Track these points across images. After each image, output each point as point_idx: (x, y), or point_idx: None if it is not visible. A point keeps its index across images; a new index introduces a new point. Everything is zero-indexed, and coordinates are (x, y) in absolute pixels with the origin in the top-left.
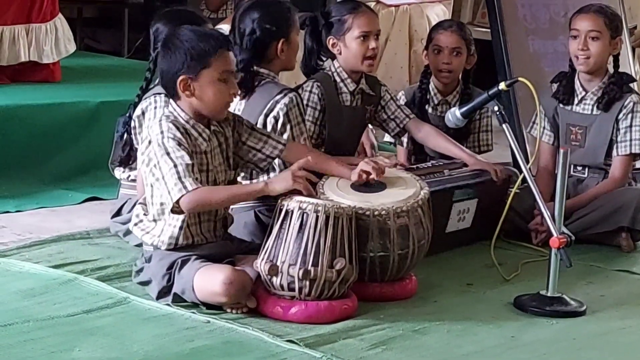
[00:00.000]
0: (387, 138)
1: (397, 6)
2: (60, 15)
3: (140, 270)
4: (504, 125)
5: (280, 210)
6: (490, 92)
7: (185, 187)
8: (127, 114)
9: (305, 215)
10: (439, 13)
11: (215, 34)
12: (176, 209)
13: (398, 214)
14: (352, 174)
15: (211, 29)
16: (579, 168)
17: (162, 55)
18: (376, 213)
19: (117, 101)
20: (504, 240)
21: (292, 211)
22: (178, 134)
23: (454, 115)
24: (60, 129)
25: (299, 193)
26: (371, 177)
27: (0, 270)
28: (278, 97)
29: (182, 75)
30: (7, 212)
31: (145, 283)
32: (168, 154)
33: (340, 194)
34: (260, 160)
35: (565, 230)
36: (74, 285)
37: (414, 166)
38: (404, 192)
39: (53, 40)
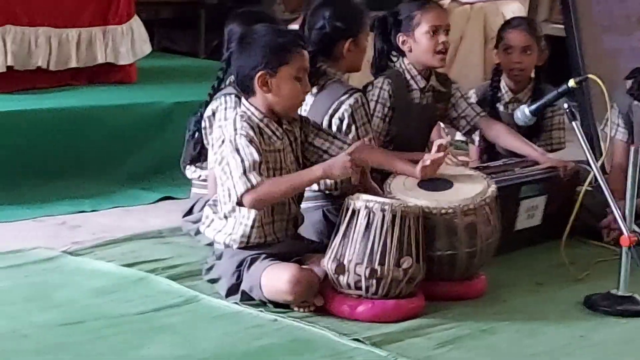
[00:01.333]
0: (459, 136)
1: (472, 4)
2: (136, 16)
3: (211, 268)
4: (573, 123)
5: (347, 209)
6: (560, 90)
7: (249, 181)
8: (199, 113)
9: (372, 214)
10: (514, 10)
11: (292, 32)
12: (240, 203)
13: (465, 212)
14: (418, 171)
15: (285, 28)
16: None
17: (239, 52)
18: (443, 211)
19: (192, 101)
20: (575, 238)
21: (359, 210)
22: (251, 132)
23: (523, 113)
24: (135, 129)
25: (365, 191)
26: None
27: (74, 268)
28: (343, 97)
29: (261, 71)
30: (83, 211)
31: (215, 280)
32: (238, 150)
33: (407, 193)
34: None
35: (637, 229)
36: (145, 284)
37: (484, 164)
38: (471, 190)
39: (129, 41)
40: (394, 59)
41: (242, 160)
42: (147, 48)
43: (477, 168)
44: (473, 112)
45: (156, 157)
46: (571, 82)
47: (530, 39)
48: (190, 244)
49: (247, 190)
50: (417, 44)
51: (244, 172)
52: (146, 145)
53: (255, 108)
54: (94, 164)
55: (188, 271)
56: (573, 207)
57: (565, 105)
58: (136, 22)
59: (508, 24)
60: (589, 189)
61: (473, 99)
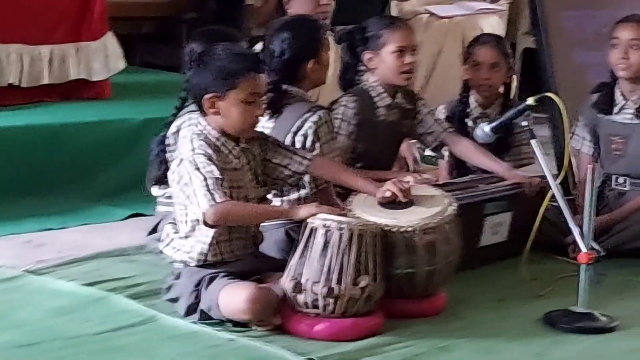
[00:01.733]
0: (429, 151)
1: (450, 17)
2: (109, 32)
3: (170, 287)
4: (532, 141)
5: (306, 227)
6: (519, 108)
7: (214, 199)
8: (162, 133)
9: (329, 232)
10: (493, 24)
11: (248, 55)
12: (206, 222)
13: (425, 231)
14: (378, 191)
15: (246, 48)
16: (620, 180)
17: (194, 72)
18: (402, 230)
19: (163, 118)
20: (541, 254)
21: (317, 229)
22: (209, 150)
23: (482, 130)
24: (106, 146)
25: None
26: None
27: (35, 288)
28: (307, 114)
29: (209, 94)
30: (51, 229)
31: (174, 300)
32: (198, 169)
33: (367, 211)
34: (287, 176)
35: (595, 246)
36: (105, 303)
37: (449, 181)
38: (431, 209)
39: (102, 57)
40: (361, 73)
41: (205, 178)
42: (121, 64)
43: (441, 185)
44: (439, 128)
45: (127, 173)
46: (530, 100)
47: (498, 56)
48: (154, 262)
49: (211, 207)
50: (383, 62)
51: (208, 190)
52: (117, 161)
53: (212, 127)
54: (64, 181)
55: (149, 290)
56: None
57: (524, 123)
58: (109, 38)
59: (477, 40)
60: (556, 204)
61: (443, 114)
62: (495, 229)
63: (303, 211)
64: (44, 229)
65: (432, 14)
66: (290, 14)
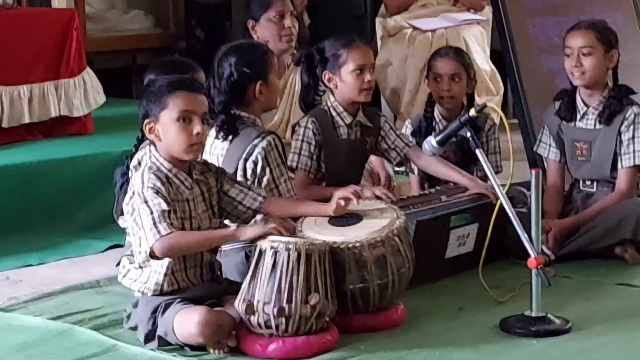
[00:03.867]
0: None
1: (433, 31)
2: (88, 68)
3: (129, 315)
4: (477, 151)
5: (256, 250)
6: (462, 119)
7: (159, 232)
8: (125, 165)
9: (277, 253)
10: (476, 34)
11: (181, 78)
12: (153, 255)
13: (373, 245)
14: (328, 209)
15: (189, 75)
16: (588, 183)
17: (138, 104)
18: (351, 246)
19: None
20: (508, 260)
21: (265, 250)
22: (158, 184)
23: (430, 143)
24: (86, 180)
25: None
26: (350, 203)
27: (2, 325)
28: (256, 140)
29: (147, 119)
30: (29, 265)
31: (134, 328)
32: (146, 202)
33: (317, 230)
34: (241, 212)
35: (546, 250)
36: (67, 336)
37: (412, 195)
38: (378, 223)
39: (82, 93)
40: (321, 93)
41: (151, 212)
42: (101, 98)
43: (404, 199)
44: (402, 142)
45: (107, 206)
46: (472, 112)
47: (458, 67)
48: (125, 293)
49: (157, 240)
50: (343, 82)
51: (154, 224)
52: (98, 194)
53: (164, 158)
54: (46, 217)
55: (114, 320)
56: (505, 230)
57: (468, 134)
58: (88, 74)
59: (437, 53)
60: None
61: (409, 129)
62: (462, 240)
63: (249, 232)
64: (23, 265)
65: (415, 28)
66: (256, 39)
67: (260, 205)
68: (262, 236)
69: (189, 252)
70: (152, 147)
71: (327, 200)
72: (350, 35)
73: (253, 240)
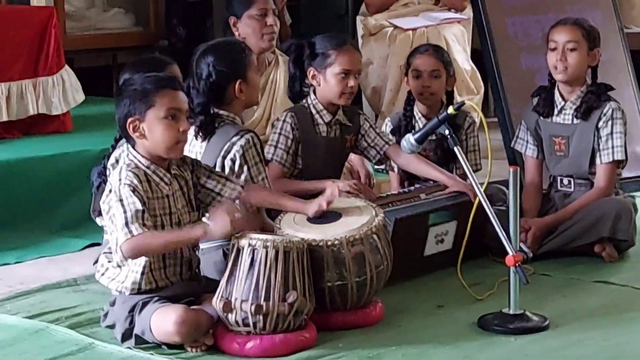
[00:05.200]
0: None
1: (414, 30)
2: (66, 66)
3: (107, 314)
4: (455, 148)
5: (233, 247)
6: (441, 117)
7: (130, 232)
8: (102, 164)
9: (255, 251)
10: (456, 33)
11: (161, 76)
12: (122, 253)
13: (352, 243)
14: (307, 209)
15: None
16: (565, 181)
17: (115, 104)
18: (329, 243)
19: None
20: (488, 258)
21: (243, 248)
22: (135, 181)
23: (408, 141)
24: (65, 179)
25: (262, 229)
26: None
27: None
28: (234, 138)
29: (130, 118)
30: (7, 264)
31: (111, 327)
32: (121, 200)
33: (295, 228)
34: (220, 203)
35: (524, 248)
36: (44, 335)
37: (385, 194)
38: (357, 220)
39: (60, 91)
40: (308, 85)
41: (125, 211)
42: (80, 97)
43: (383, 197)
44: (382, 141)
45: (86, 205)
46: (450, 109)
47: (437, 63)
48: (103, 291)
49: (127, 241)
50: (327, 82)
51: (126, 224)
52: (76, 194)
53: (142, 156)
54: (24, 215)
55: (91, 318)
56: (484, 228)
57: (446, 132)
58: (67, 72)
59: (416, 50)
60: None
61: (388, 128)
62: (440, 238)
63: (217, 229)
64: (1, 264)
65: (396, 27)
66: (237, 36)
67: (239, 195)
68: (237, 234)
69: (157, 253)
70: (129, 145)
71: (299, 194)
72: (344, 37)
73: (229, 238)
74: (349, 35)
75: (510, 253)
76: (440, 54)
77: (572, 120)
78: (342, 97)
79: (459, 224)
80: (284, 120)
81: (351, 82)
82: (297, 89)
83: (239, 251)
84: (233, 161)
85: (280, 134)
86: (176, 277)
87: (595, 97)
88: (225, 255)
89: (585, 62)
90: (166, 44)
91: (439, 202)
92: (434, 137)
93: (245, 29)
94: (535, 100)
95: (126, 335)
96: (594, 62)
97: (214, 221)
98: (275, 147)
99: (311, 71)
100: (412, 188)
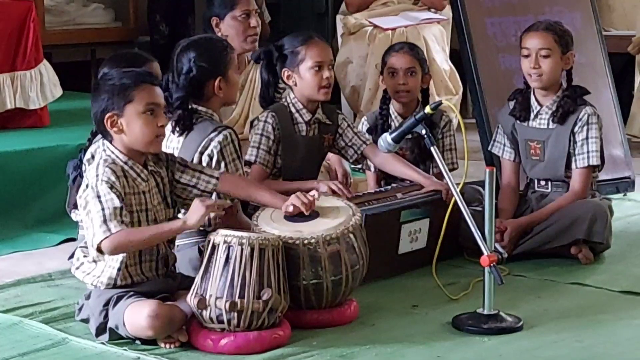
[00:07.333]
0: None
1: (393, 29)
2: (45, 61)
3: (81, 308)
4: (432, 148)
5: (209, 244)
6: (417, 116)
7: (109, 229)
8: (78, 158)
9: (230, 248)
10: (435, 33)
11: (139, 71)
12: (100, 250)
13: (328, 242)
14: (283, 205)
15: (145, 68)
16: (542, 183)
17: (92, 99)
18: (306, 242)
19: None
20: (463, 258)
21: (219, 245)
22: (112, 177)
23: (385, 140)
24: (41, 173)
25: (239, 226)
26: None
27: None
28: (212, 134)
29: (108, 113)
30: None
31: (86, 320)
32: (99, 197)
33: (272, 225)
34: (197, 196)
35: (499, 248)
36: (17, 329)
37: (361, 193)
38: (335, 219)
39: (38, 86)
40: (281, 90)
41: (103, 208)
42: (58, 91)
43: (359, 196)
44: (359, 140)
45: (62, 199)
46: (427, 109)
47: (413, 61)
48: (77, 286)
49: (106, 238)
50: (302, 79)
51: (104, 221)
52: (52, 188)
53: (119, 151)
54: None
55: (65, 313)
56: (459, 228)
57: (423, 132)
58: (45, 67)
59: (391, 48)
60: (476, 209)
61: (364, 127)
62: (414, 236)
63: (194, 218)
64: None
65: (376, 26)
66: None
67: (215, 187)
68: (216, 230)
69: (138, 248)
70: (106, 141)
71: (283, 192)
72: (308, 32)
73: (205, 229)
74: (329, 34)
75: (485, 253)
76: (415, 51)
77: (548, 124)
78: (321, 90)
79: (432, 222)
80: (265, 121)
81: (326, 74)
82: (271, 95)
83: (214, 248)
84: (210, 157)
85: (262, 135)
86: (152, 273)
87: (572, 101)
88: (201, 252)
89: (559, 66)
90: (146, 40)
91: (411, 200)
92: (410, 136)
93: (228, 29)
94: (512, 104)
95: (100, 329)
96: (568, 65)
97: (190, 210)
98: (258, 148)
99: (285, 72)
100: (388, 187)
